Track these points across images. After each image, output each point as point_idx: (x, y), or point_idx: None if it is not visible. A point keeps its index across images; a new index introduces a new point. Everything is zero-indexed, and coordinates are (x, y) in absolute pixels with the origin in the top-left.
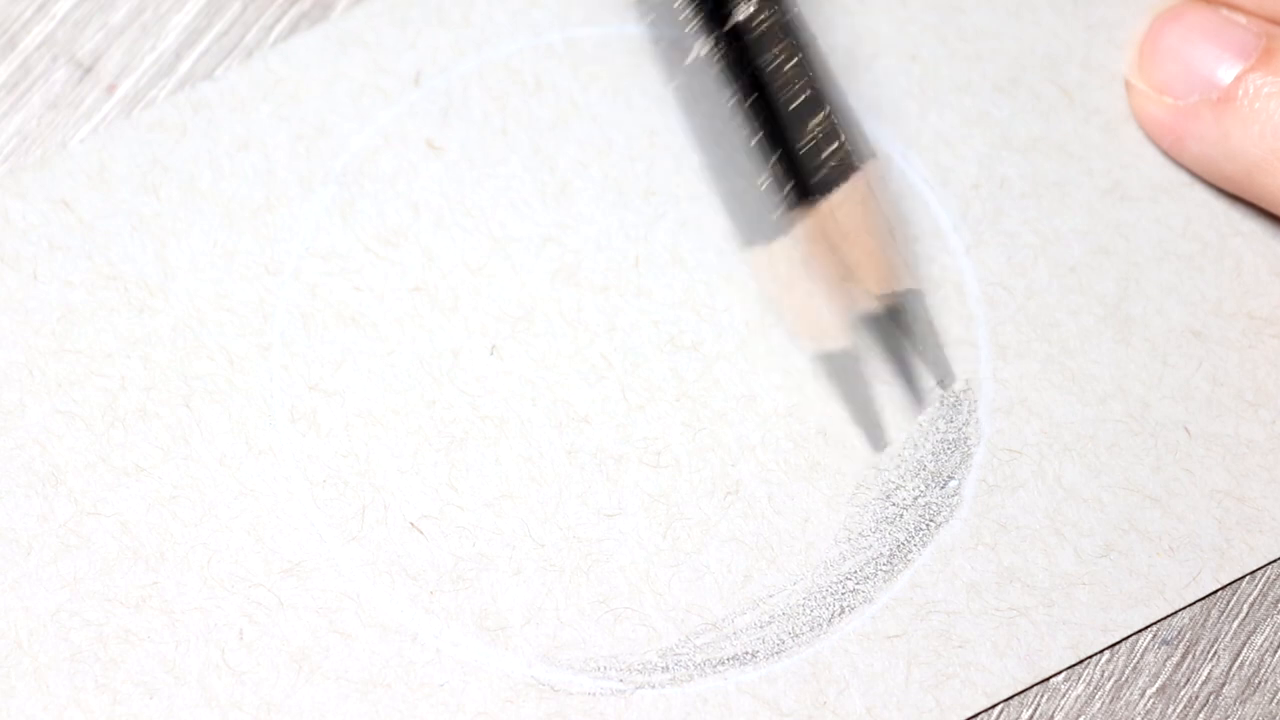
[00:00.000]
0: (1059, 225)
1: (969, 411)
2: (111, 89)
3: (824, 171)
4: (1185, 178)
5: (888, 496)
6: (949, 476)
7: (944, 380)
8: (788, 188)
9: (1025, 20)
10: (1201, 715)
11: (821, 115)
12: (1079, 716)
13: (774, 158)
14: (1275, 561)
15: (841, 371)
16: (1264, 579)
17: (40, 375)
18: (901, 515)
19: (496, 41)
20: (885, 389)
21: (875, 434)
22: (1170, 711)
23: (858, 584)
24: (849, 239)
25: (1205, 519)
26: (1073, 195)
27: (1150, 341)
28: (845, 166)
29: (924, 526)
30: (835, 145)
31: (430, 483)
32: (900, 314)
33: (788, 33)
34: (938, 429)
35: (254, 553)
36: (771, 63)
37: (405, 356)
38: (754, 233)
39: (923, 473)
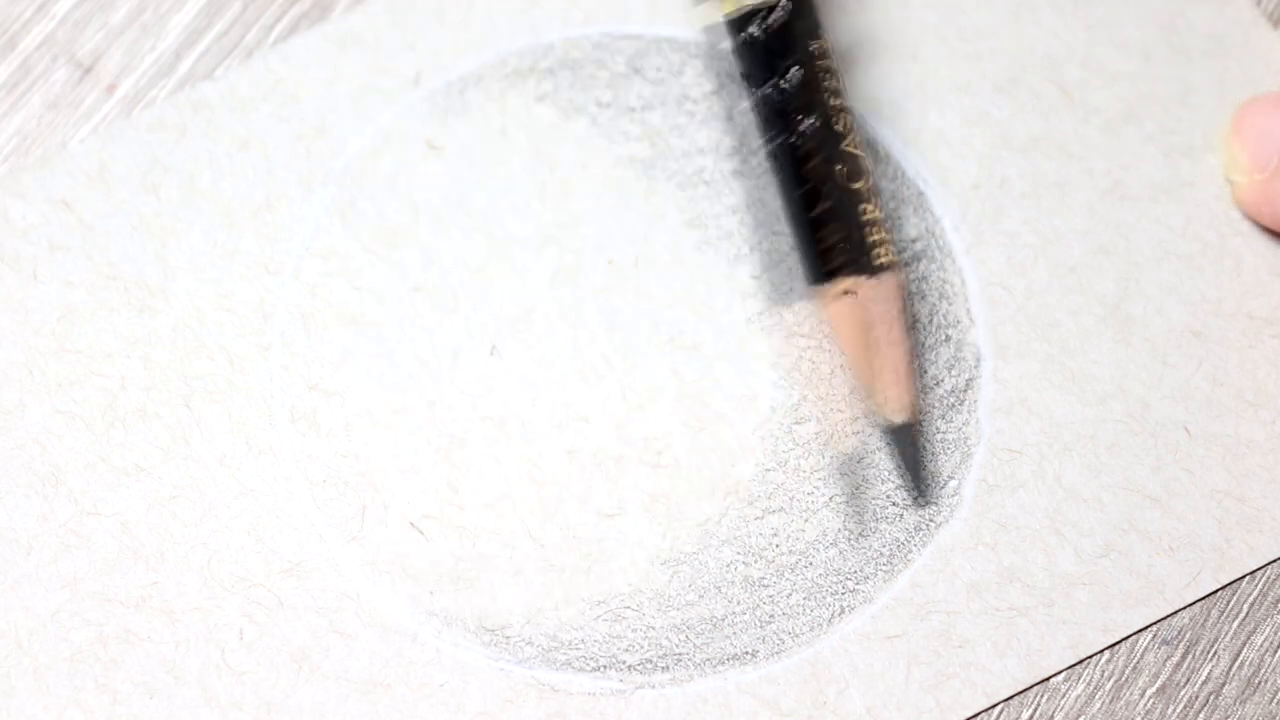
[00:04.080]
0: (1059, 225)
1: (969, 411)
2: (111, 89)
3: (856, 257)
4: (1185, 178)
5: (888, 496)
6: (949, 476)
7: (922, 500)
8: (819, 262)
9: (1025, 20)
10: (1201, 715)
11: (869, 206)
12: (1079, 716)
13: (812, 229)
14: (1275, 561)
15: (850, 467)
16: (1264, 579)
17: (40, 375)
18: (901, 515)
19: (496, 41)
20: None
21: (858, 526)
22: (1170, 711)
23: (858, 584)
24: (862, 340)
25: (1205, 519)
26: (1073, 195)
27: (1150, 341)
28: (877, 260)
29: (924, 526)
30: (878, 236)
31: (430, 483)
32: (896, 435)
33: (847, 130)
34: (938, 429)
35: (254, 553)
36: (832, 154)
37: (405, 356)
38: (785, 293)
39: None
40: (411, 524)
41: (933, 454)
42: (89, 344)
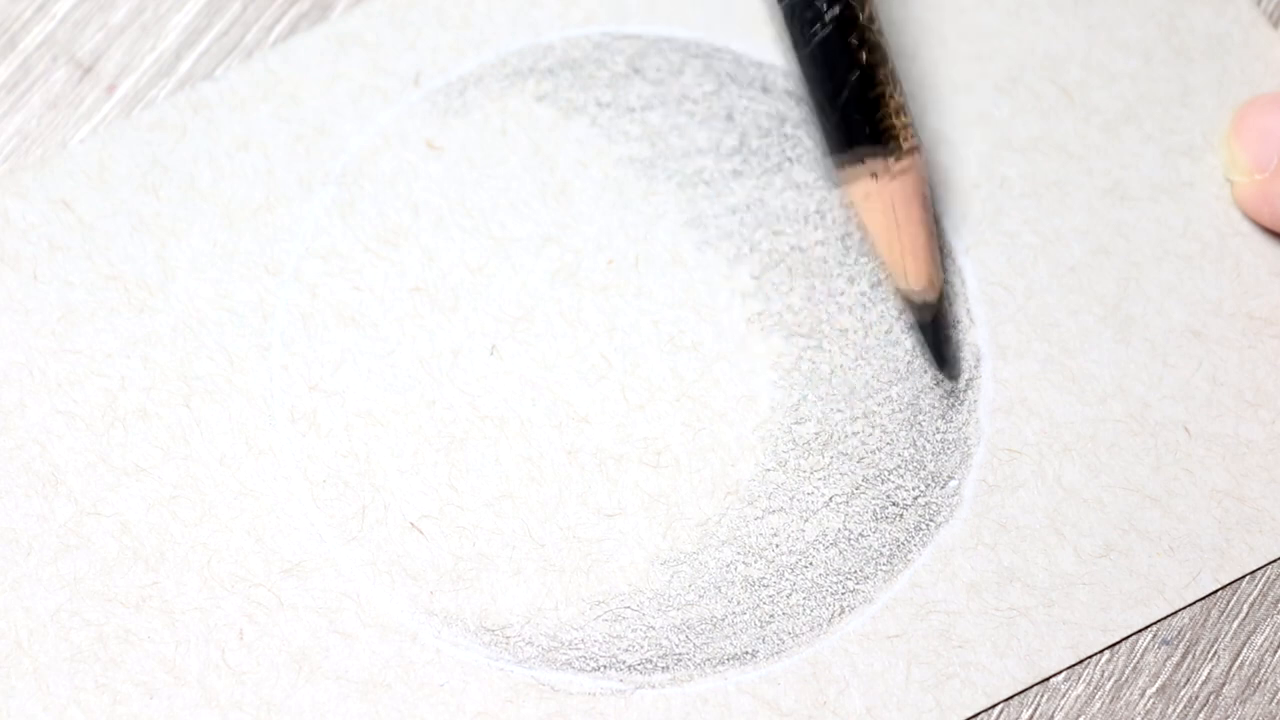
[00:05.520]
0: (1059, 225)
1: (969, 411)
2: (111, 89)
3: (880, 139)
4: (1185, 178)
5: (888, 496)
6: (949, 476)
7: (948, 374)
8: (844, 145)
9: (1025, 20)
10: (1201, 715)
11: (892, 90)
12: (1079, 716)
13: (840, 100)
14: (1275, 561)
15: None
16: (1264, 579)
17: (40, 375)
18: (901, 515)
19: (496, 41)
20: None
21: (944, 367)
22: (1170, 711)
23: (858, 584)
24: (889, 219)
25: (1205, 519)
26: (1073, 195)
27: (1150, 341)
28: (902, 138)
29: (924, 526)
30: (901, 120)
31: (430, 483)
32: (918, 310)
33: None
34: (938, 429)
35: (254, 553)
36: (857, 39)
37: (405, 356)
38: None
39: (923, 473)
40: (411, 524)
41: (955, 330)
42: (89, 344)
